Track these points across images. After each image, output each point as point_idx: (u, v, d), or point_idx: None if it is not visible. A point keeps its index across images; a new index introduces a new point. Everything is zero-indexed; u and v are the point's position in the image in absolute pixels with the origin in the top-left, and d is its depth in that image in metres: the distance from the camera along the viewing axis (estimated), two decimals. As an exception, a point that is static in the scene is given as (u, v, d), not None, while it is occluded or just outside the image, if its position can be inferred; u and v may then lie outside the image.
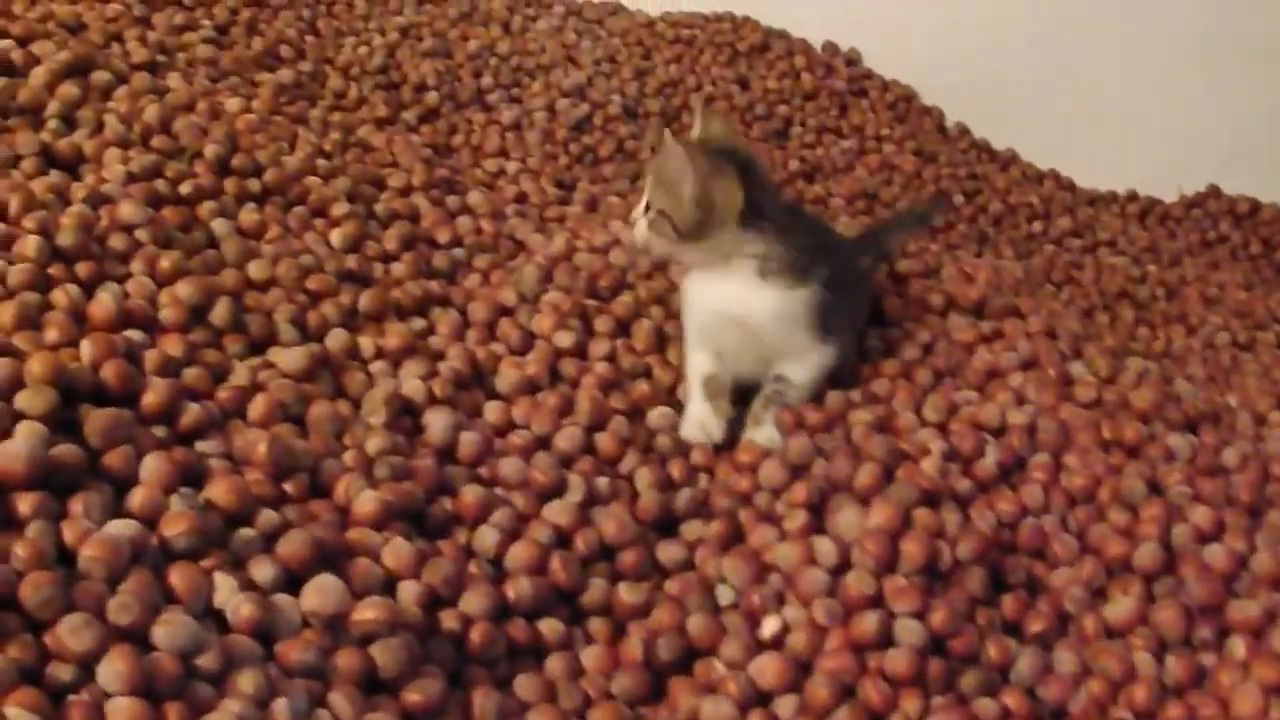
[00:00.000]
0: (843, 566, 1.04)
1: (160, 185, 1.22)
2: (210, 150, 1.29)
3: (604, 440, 1.15)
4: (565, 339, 1.25)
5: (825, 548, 1.05)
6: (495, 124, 1.84)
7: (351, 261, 1.26)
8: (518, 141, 1.82)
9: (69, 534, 0.82)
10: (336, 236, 1.29)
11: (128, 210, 1.15)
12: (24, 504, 0.82)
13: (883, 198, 2.06)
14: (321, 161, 1.38)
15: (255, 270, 1.18)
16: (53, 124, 1.25)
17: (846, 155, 2.16)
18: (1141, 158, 2.42)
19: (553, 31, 2.14)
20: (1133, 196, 2.41)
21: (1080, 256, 2.14)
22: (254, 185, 1.30)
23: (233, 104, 1.42)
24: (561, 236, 1.42)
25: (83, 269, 1.07)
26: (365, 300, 1.21)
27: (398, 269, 1.29)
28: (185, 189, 1.23)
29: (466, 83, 1.90)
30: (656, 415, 1.22)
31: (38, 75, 1.29)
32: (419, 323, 1.23)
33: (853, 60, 2.40)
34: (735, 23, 2.36)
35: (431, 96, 1.83)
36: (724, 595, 1.05)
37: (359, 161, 1.45)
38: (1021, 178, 2.34)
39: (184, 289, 1.08)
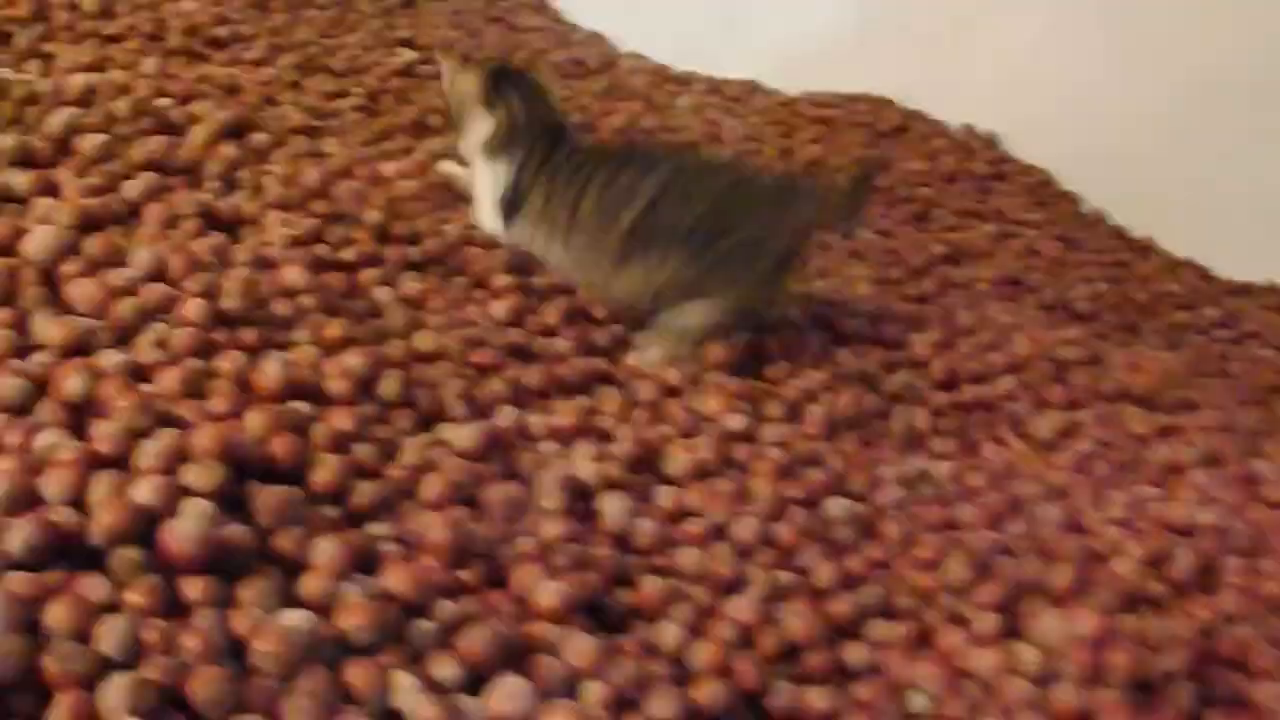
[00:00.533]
0: (1046, 676, 0.96)
1: (321, 250, 1.17)
2: (370, 216, 1.25)
3: (782, 530, 1.08)
4: (735, 422, 1.19)
5: (1028, 655, 0.97)
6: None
7: (515, 335, 1.21)
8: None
9: (239, 623, 0.76)
10: (498, 308, 1.24)
11: (291, 274, 1.11)
12: (192, 589, 0.77)
13: (1028, 283, 1.99)
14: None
15: (421, 341, 1.13)
16: (212, 184, 1.21)
17: (989, 239, 2.10)
18: (1276, 249, 2.34)
19: (695, 109, 2.10)
20: (1272, 288, 2.33)
21: (1229, 348, 2.06)
22: (414, 253, 1.25)
23: (389, 170, 1.38)
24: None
25: (247, 334, 1.02)
26: (532, 376, 1.15)
27: (560, 344, 1.24)
28: (347, 254, 1.19)
29: (612, 157, 1.86)
30: (833, 505, 1.14)
31: (197, 134, 1.26)
32: (584, 401, 1.17)
33: (991, 143, 2.35)
34: (873, 103, 2.31)
35: (578, 169, 1.79)
36: (916, 702, 0.97)
37: (514, 232, 1.40)
38: (1161, 265, 2.27)
39: (352, 359, 1.03)
